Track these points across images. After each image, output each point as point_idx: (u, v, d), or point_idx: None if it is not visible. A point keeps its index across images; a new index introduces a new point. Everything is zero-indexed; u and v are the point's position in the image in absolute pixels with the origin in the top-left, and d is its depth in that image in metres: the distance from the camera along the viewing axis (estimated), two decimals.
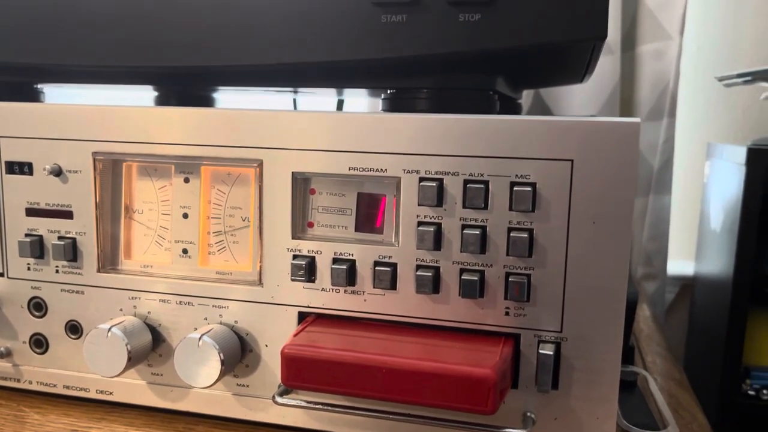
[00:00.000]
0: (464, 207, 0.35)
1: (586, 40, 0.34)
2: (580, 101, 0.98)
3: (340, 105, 0.83)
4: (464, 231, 0.35)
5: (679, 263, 1.14)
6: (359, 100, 0.92)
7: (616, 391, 0.35)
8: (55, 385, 0.43)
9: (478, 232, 0.35)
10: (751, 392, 0.86)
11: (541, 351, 0.35)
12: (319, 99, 0.86)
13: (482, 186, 0.35)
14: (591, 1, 0.34)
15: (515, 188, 0.34)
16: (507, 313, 0.36)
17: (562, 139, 0.33)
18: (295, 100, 0.81)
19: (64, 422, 0.41)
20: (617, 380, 0.35)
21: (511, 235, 0.35)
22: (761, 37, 1.07)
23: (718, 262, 0.92)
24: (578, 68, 0.44)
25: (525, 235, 0.34)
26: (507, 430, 0.35)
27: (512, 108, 0.61)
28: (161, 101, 0.57)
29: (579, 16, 0.34)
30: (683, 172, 1.12)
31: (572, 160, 0.33)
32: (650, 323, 0.75)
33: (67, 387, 0.43)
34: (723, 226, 0.91)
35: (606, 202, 0.33)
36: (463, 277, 0.35)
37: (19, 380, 0.44)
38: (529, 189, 0.34)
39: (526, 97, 0.99)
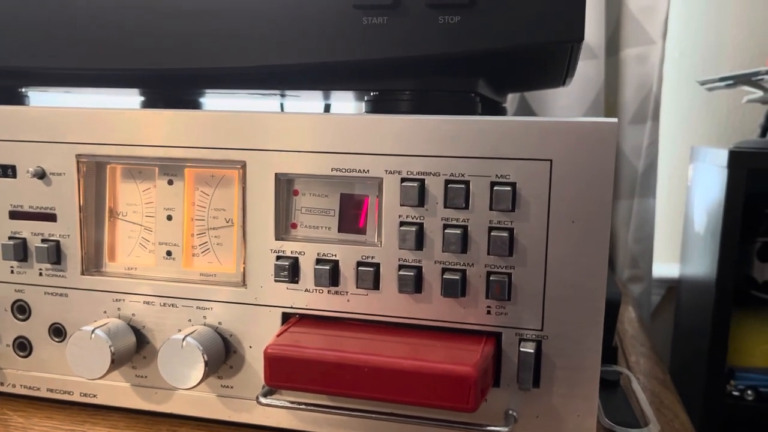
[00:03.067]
0: (445, 207, 0.36)
1: (564, 42, 0.35)
2: (565, 105, 0.99)
3: (327, 110, 0.83)
4: (446, 231, 0.35)
5: (665, 266, 1.15)
6: (346, 105, 0.93)
7: (596, 389, 0.36)
8: (38, 389, 0.43)
9: (459, 232, 0.35)
10: (736, 393, 0.87)
11: (522, 349, 0.35)
12: (306, 104, 0.86)
13: (463, 186, 0.35)
14: (568, 4, 0.34)
15: (495, 188, 0.35)
16: (488, 312, 0.36)
17: (541, 140, 0.34)
18: (282, 105, 0.82)
19: (47, 425, 0.41)
20: (597, 378, 0.35)
21: (492, 234, 0.35)
22: (742, 42, 1.09)
23: (702, 264, 0.93)
24: (558, 70, 0.44)
25: (505, 234, 0.35)
26: (489, 428, 0.35)
27: (496, 111, 0.61)
28: (147, 106, 0.57)
29: (557, 18, 0.34)
30: (668, 176, 1.13)
31: (551, 160, 0.34)
32: (635, 324, 0.76)
33: (51, 390, 0.43)
34: (706, 228, 0.92)
35: (584, 202, 0.34)
36: (444, 277, 0.36)
37: (2, 383, 0.44)
38: (509, 189, 0.34)
39: (511, 101, 1.00)
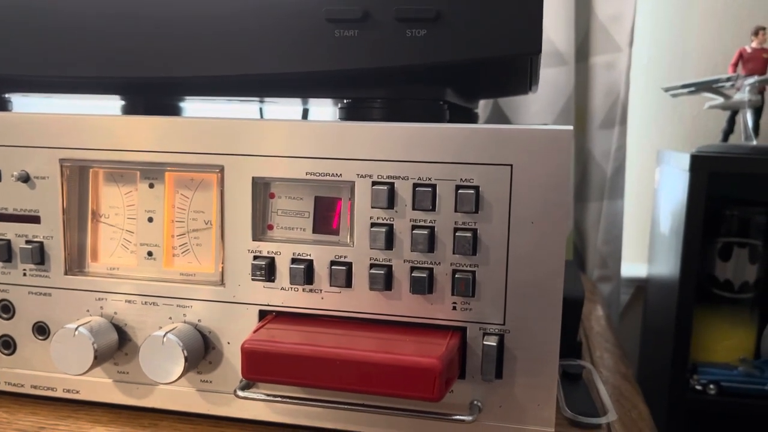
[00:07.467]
0: (414, 209, 0.38)
1: (522, 55, 0.37)
2: (537, 110, 1.02)
3: (305, 114, 0.85)
4: (414, 231, 0.38)
5: (633, 266, 1.19)
6: (324, 109, 0.95)
7: (555, 380, 0.38)
8: (22, 385, 0.45)
9: (426, 232, 0.37)
10: (699, 387, 0.90)
11: (485, 343, 0.38)
12: (285, 108, 0.88)
13: (430, 189, 0.37)
14: (527, 19, 0.36)
15: (460, 191, 0.37)
16: (454, 308, 0.38)
17: (502, 146, 0.36)
18: (261, 110, 0.83)
19: (32, 420, 0.42)
20: (556, 370, 0.38)
21: (457, 234, 0.37)
22: (706, 50, 1.13)
23: (667, 264, 0.96)
24: (522, 80, 0.47)
25: (469, 234, 0.37)
26: (455, 416, 0.38)
27: (467, 117, 0.64)
28: (128, 111, 0.58)
29: (516, 32, 0.37)
30: (636, 179, 1.17)
31: (511, 165, 0.36)
32: (602, 322, 0.79)
33: (35, 387, 0.44)
34: (671, 229, 0.95)
35: (543, 204, 0.36)
36: (413, 275, 0.38)
37: None
38: (473, 192, 0.37)
39: (484, 107, 1.03)
